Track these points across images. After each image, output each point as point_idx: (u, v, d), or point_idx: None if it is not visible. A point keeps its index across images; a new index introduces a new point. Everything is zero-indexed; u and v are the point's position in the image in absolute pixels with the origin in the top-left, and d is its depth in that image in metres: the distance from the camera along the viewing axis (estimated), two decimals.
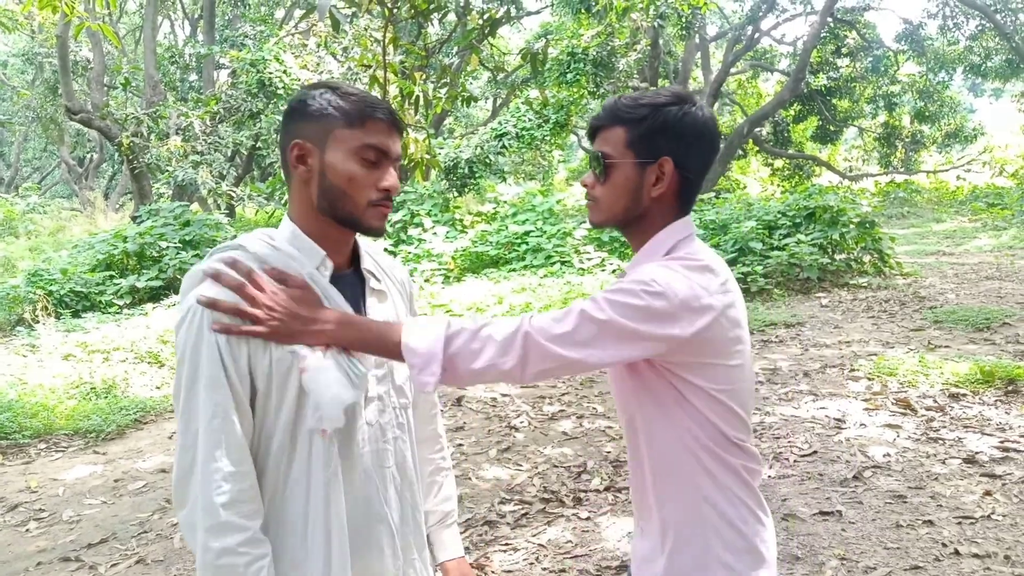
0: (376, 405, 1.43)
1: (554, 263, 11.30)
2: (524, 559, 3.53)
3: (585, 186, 1.51)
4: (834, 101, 23.49)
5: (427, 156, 6.17)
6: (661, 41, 18.98)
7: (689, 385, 1.39)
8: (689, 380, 1.39)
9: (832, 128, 24.34)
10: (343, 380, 1.32)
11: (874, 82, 23.05)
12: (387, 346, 1.33)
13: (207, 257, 1.37)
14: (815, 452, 4.56)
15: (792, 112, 23.88)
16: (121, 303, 9.88)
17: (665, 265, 1.38)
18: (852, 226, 10.59)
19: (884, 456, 4.44)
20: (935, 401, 5.34)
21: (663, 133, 1.41)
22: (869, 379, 6.00)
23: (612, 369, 1.53)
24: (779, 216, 11.13)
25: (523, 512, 4.02)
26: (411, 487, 1.50)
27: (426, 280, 10.39)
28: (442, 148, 16.72)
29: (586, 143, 32.39)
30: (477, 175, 18.49)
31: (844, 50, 22.23)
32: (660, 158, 1.41)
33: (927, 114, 23.17)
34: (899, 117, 24.79)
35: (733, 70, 22.95)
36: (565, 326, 1.32)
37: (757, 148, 25.26)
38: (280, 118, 13.10)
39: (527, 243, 12.07)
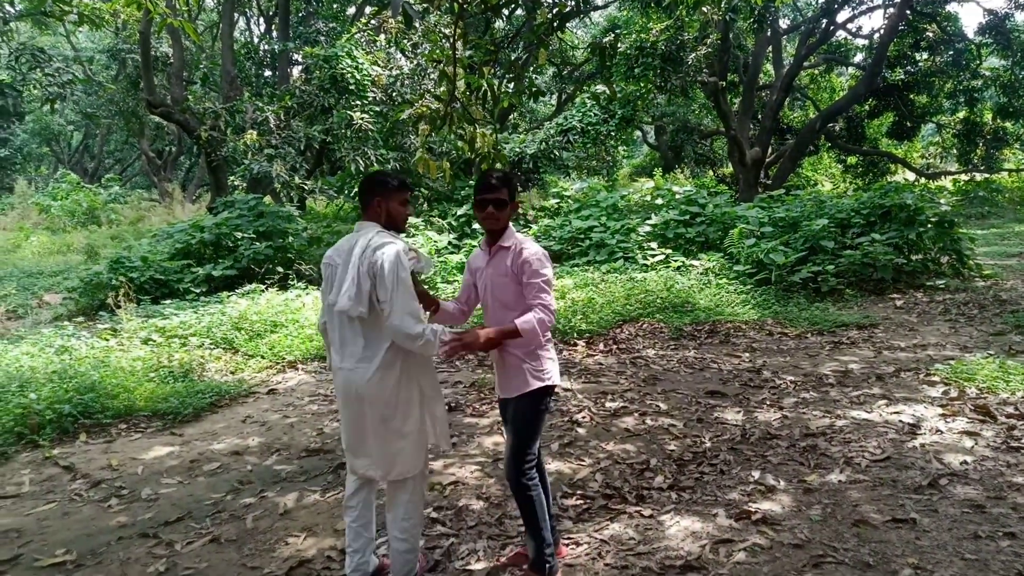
0: None
1: (617, 259, 11.23)
2: (586, 553, 3.53)
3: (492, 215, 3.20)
4: (911, 96, 22.60)
5: (493, 151, 6.20)
6: (731, 35, 18.59)
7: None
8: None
9: (909, 124, 23.42)
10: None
11: (955, 76, 22.05)
12: (511, 334, 3.06)
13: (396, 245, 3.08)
14: (888, 458, 4.44)
15: (867, 107, 23.08)
16: (198, 291, 10.23)
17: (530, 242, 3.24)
18: (929, 226, 10.22)
19: (961, 464, 4.30)
20: (1016, 408, 5.13)
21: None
22: (946, 384, 5.80)
23: (509, 284, 3.18)
24: (852, 214, 10.80)
25: (585, 507, 4.03)
26: None
27: None
28: (507, 143, 16.78)
29: (651, 138, 32.04)
30: (541, 170, 18.50)
31: (923, 43, 21.34)
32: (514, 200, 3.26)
33: (1011, 110, 22.04)
34: (980, 113, 23.67)
35: (806, 64, 22.26)
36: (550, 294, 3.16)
37: (829, 144, 24.53)
38: (351, 113, 13.31)
39: (590, 238, 12.02)
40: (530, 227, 13.68)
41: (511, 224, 3.32)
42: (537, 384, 3.17)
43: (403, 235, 3.29)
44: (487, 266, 3.29)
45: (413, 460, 3.15)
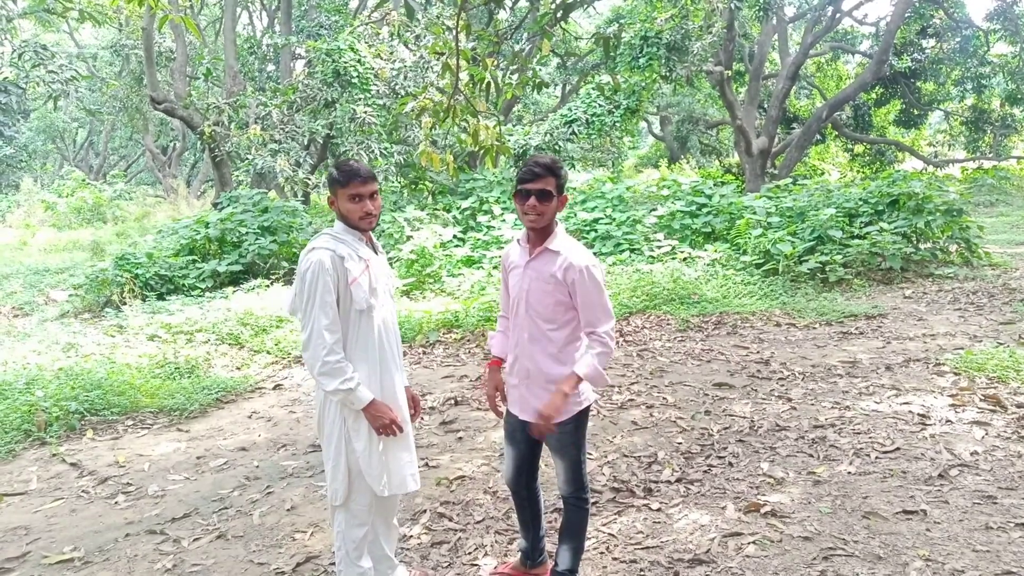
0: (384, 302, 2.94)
1: (623, 251, 11.17)
2: (595, 548, 3.51)
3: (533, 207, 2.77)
4: (919, 84, 22.51)
5: (497, 143, 6.15)
6: (737, 23, 18.46)
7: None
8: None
9: (916, 112, 23.35)
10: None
11: (962, 63, 21.94)
12: (575, 385, 2.80)
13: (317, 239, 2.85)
14: (898, 449, 4.41)
15: (874, 95, 22.99)
16: (203, 286, 10.23)
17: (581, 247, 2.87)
18: (938, 214, 10.14)
19: (972, 454, 4.26)
20: None
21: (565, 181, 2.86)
22: (955, 374, 5.75)
23: (552, 294, 2.83)
24: (860, 203, 10.73)
25: (593, 501, 4.00)
26: (396, 336, 3.01)
27: (494, 267, 10.41)
28: (511, 135, 16.71)
29: (657, 129, 31.93)
30: None
31: (930, 30, 21.23)
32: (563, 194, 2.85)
33: (1020, 96, 21.93)
34: (989, 100, 23.56)
35: (812, 52, 22.13)
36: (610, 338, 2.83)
37: (836, 133, 24.41)
38: (354, 106, 13.26)
39: (596, 230, 11.97)
40: None
41: (559, 222, 2.90)
42: (577, 409, 2.95)
43: (371, 232, 2.96)
44: (526, 267, 2.90)
45: (334, 488, 2.92)
